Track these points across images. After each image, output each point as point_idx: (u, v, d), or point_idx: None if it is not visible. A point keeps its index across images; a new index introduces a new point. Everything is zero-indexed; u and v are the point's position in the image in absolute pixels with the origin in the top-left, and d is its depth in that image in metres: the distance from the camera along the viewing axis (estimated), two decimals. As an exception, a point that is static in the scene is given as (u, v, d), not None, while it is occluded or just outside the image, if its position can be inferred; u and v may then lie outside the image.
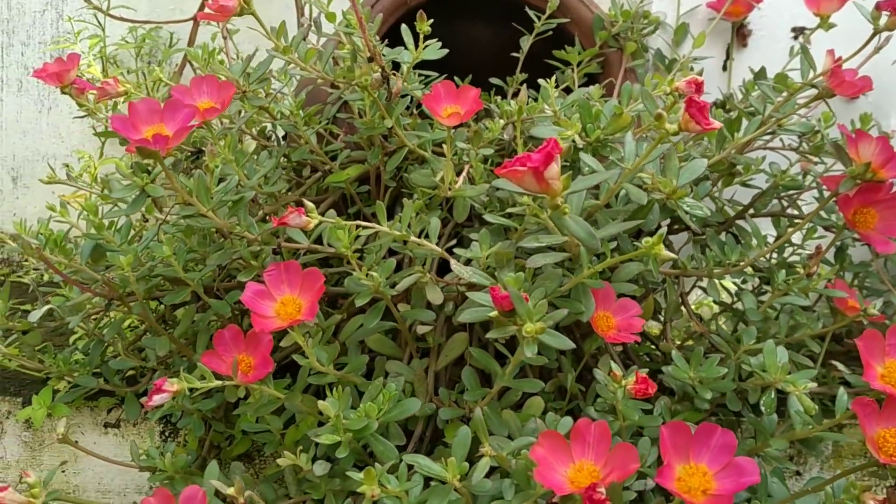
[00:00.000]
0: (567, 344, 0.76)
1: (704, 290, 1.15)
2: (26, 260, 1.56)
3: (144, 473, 1.13)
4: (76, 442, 1.14)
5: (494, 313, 0.75)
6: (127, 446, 1.12)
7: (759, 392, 0.88)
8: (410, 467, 0.75)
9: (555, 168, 0.65)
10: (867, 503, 0.76)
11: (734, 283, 1.14)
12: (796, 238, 1.11)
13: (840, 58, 0.97)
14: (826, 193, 1.08)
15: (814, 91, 1.00)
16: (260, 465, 1.09)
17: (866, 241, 0.90)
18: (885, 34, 1.07)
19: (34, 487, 0.73)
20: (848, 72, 0.96)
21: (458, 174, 0.98)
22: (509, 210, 0.89)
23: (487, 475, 0.76)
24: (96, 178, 1.49)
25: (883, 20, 0.94)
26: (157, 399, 0.79)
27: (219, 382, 0.84)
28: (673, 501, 0.68)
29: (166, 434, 1.11)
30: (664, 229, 0.77)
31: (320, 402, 0.81)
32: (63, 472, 1.16)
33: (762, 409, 0.85)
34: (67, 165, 1.61)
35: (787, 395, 0.86)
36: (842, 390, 0.80)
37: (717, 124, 0.71)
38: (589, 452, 0.65)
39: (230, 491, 0.73)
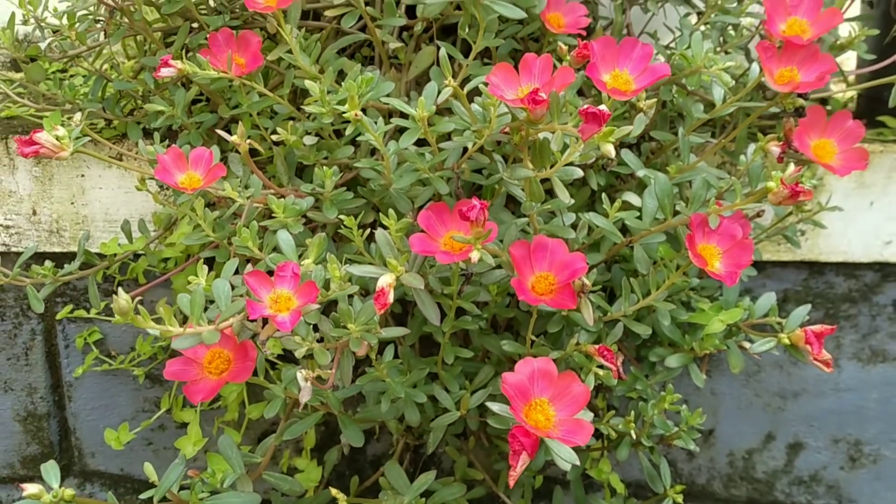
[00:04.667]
0: (518, 13, 0.88)
1: (651, 35, 1.27)
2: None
3: (148, 202, 1.27)
4: (82, 175, 1.27)
5: (456, -16, 0.87)
6: (130, 178, 1.25)
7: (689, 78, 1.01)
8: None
9: None
10: (771, 149, 0.91)
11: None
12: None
13: None
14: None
15: None
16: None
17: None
18: None
19: (62, 139, 0.84)
20: None
21: None
22: None
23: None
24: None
25: None
26: (164, 72, 0.90)
27: (215, 73, 0.96)
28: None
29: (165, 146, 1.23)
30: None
31: (307, 82, 0.93)
32: (72, 203, 1.28)
33: (688, 88, 0.98)
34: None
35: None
36: (754, 66, 0.93)
37: None
38: (534, 79, 0.79)
39: (234, 139, 0.86)
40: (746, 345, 1.03)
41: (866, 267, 1.35)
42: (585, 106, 0.67)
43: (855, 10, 1.55)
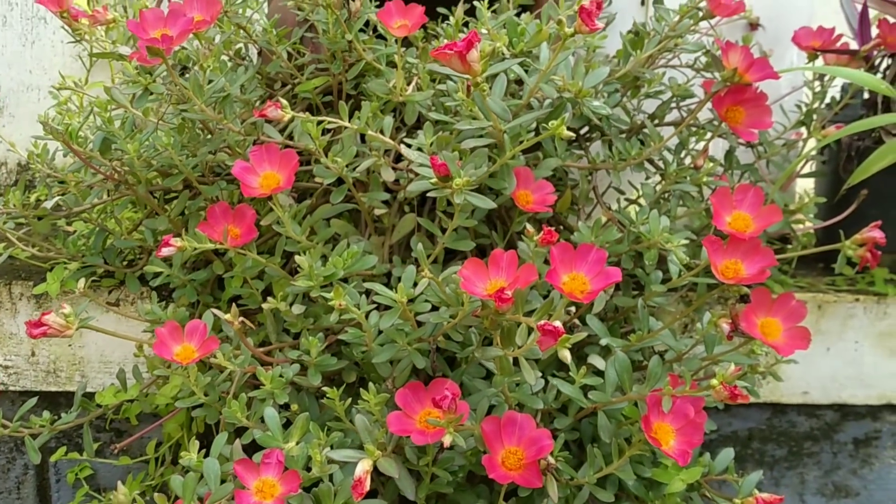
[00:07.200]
0: (489, 203, 0.97)
1: (617, 189, 1.37)
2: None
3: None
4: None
5: (434, 179, 0.96)
6: (126, 323, 1.31)
7: (647, 251, 1.10)
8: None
9: (475, 53, 0.85)
10: (722, 326, 0.99)
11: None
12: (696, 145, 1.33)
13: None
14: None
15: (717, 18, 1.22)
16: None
17: (735, 132, 1.12)
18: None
19: (69, 317, 0.92)
20: (727, -3, 1.17)
21: (409, 84, 1.18)
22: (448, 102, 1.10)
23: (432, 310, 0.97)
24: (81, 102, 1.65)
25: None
26: (164, 251, 0.98)
27: (212, 245, 1.04)
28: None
29: (162, 307, 1.30)
30: (567, 115, 0.98)
31: (297, 257, 1.01)
32: (69, 345, 1.34)
33: (646, 262, 1.07)
34: (52, 93, 1.76)
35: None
36: (704, 249, 1.02)
37: (599, 25, 0.91)
38: (501, 273, 0.87)
39: (227, 317, 0.93)
40: (709, 495, 1.09)
41: (826, 407, 1.42)
42: (543, 322, 0.75)
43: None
